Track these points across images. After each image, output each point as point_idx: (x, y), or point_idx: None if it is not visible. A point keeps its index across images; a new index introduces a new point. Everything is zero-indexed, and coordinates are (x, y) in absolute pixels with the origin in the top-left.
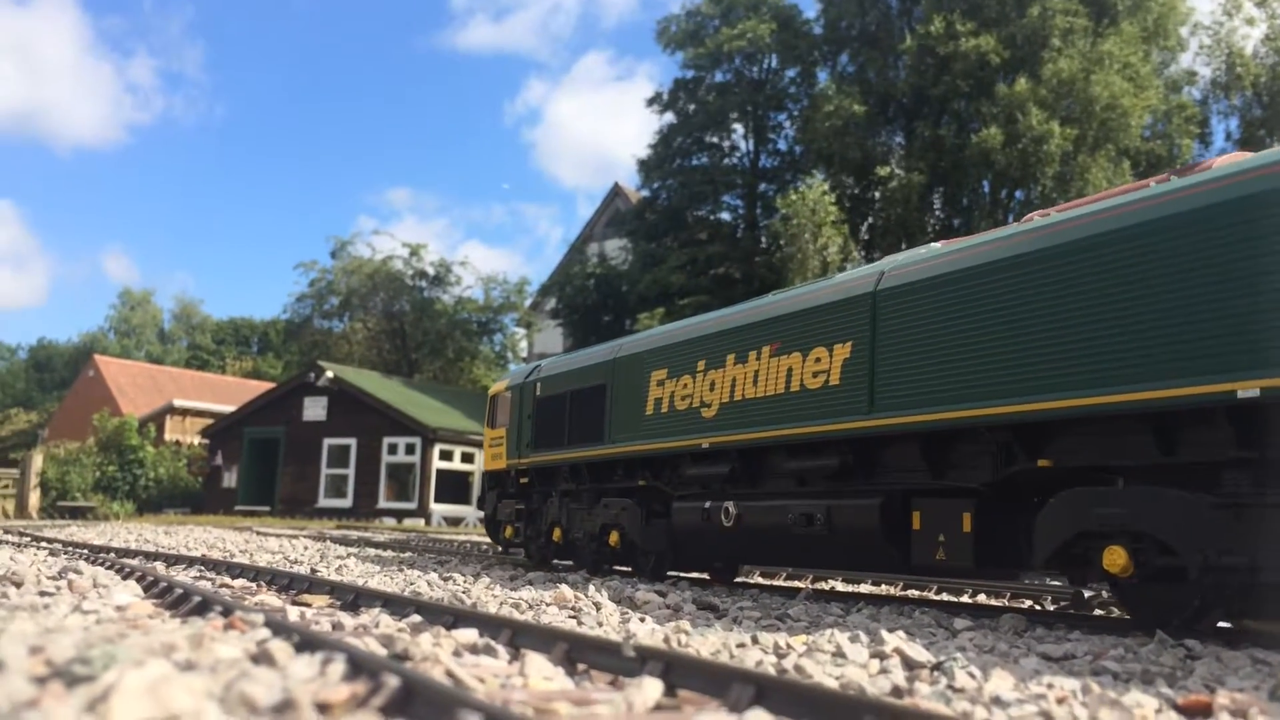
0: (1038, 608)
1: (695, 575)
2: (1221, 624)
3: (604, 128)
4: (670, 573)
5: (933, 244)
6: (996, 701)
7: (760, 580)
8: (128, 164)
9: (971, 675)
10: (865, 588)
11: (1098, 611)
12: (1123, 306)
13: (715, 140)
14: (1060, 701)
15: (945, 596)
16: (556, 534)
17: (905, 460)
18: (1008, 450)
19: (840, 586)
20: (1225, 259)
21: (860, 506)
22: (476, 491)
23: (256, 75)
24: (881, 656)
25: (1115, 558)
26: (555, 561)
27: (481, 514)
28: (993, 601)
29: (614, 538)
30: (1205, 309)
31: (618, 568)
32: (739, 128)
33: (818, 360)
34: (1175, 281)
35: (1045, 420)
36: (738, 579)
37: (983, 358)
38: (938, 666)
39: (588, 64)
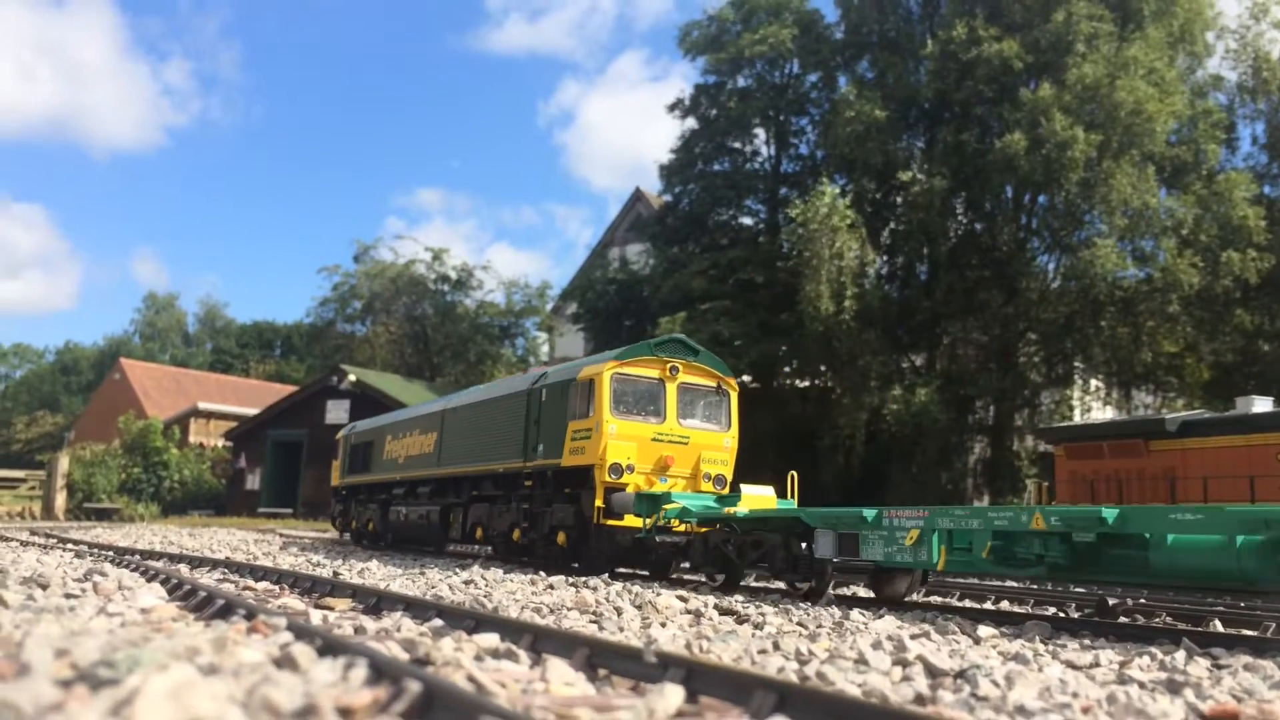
0: (1062, 615)
1: (708, 581)
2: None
3: (636, 130)
4: (389, 548)
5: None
6: (1021, 711)
7: (780, 585)
8: (165, 167)
9: (995, 684)
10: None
11: (1123, 619)
12: (500, 427)
13: (737, 145)
14: (1085, 711)
15: (969, 603)
16: (354, 525)
17: (458, 489)
18: (472, 484)
19: (862, 593)
20: (520, 412)
21: (438, 510)
22: None
23: (291, 76)
24: (904, 664)
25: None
26: (360, 538)
27: None
28: (1016, 609)
29: (370, 526)
30: (518, 429)
31: (385, 543)
32: (760, 133)
33: (423, 439)
34: (509, 419)
35: (474, 475)
36: (746, 583)
37: (456, 445)
38: (961, 674)
39: (623, 65)
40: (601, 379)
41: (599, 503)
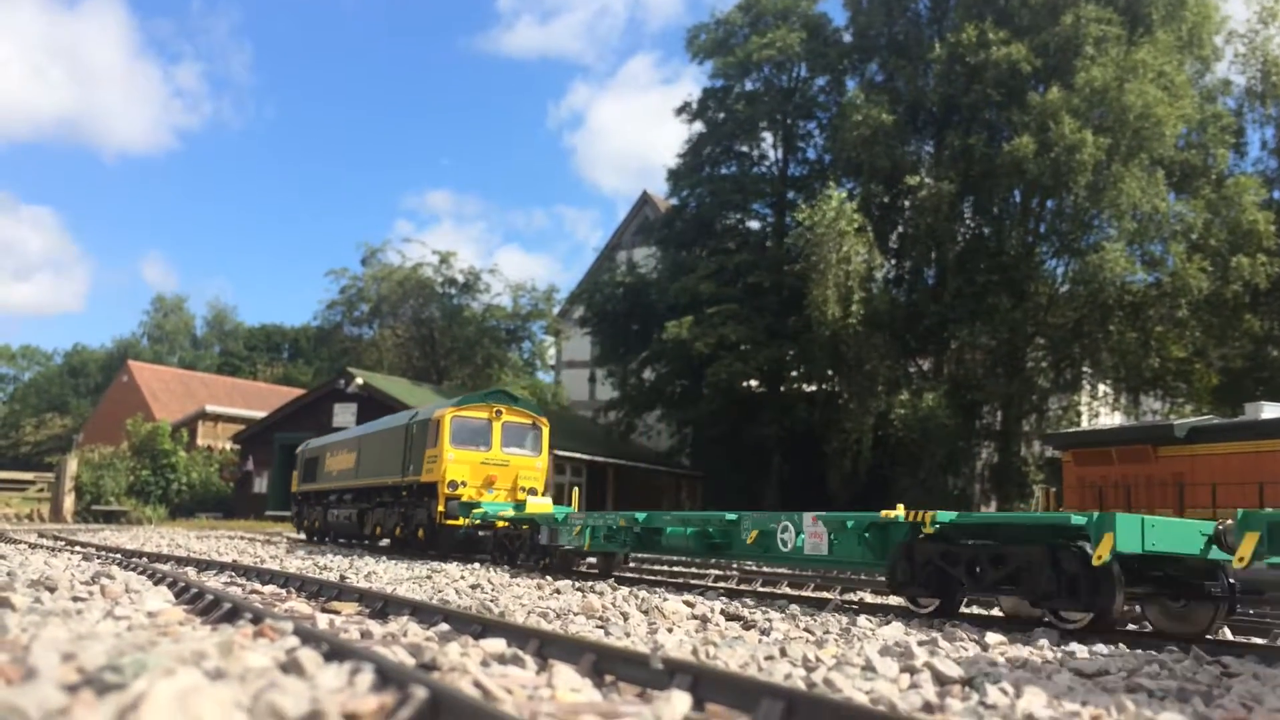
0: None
1: (723, 586)
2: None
3: (647, 132)
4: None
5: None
6: (1030, 719)
7: (788, 590)
8: (175, 169)
9: (1004, 692)
10: (896, 600)
11: (1131, 626)
12: (390, 451)
13: (744, 149)
14: None
15: (976, 610)
16: (305, 524)
17: (370, 496)
18: (377, 493)
19: (869, 598)
20: (401, 440)
21: (355, 512)
22: None
23: (301, 77)
24: (912, 671)
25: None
26: (321, 534)
27: None
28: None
29: (318, 524)
30: (400, 453)
31: (330, 539)
32: (768, 136)
33: (349, 457)
34: (395, 446)
35: (377, 486)
36: (768, 589)
37: (367, 464)
38: (969, 682)
39: (633, 67)
40: (445, 420)
41: (441, 508)
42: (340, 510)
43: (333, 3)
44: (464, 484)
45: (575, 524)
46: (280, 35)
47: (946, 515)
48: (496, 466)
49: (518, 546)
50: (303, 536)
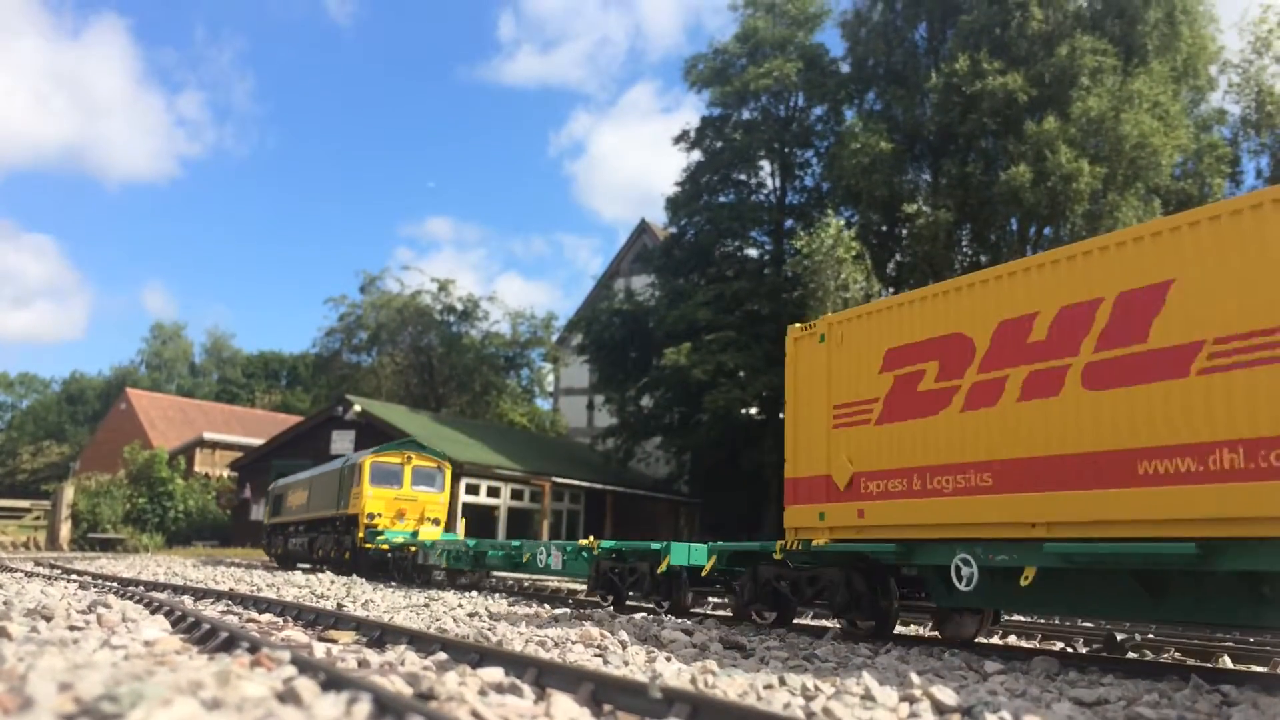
0: (1070, 650)
1: (722, 613)
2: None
3: (647, 160)
4: (301, 565)
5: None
6: None
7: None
8: (177, 197)
9: None
10: (896, 629)
11: (1131, 655)
12: (329, 489)
13: (742, 177)
14: None
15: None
16: (273, 551)
17: (318, 526)
18: (321, 524)
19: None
20: (337, 480)
21: (308, 540)
22: (502, 526)
23: (304, 106)
24: (911, 700)
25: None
26: (291, 561)
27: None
28: (1024, 643)
29: (280, 551)
30: (335, 491)
31: (292, 563)
32: (766, 165)
33: (303, 494)
34: (332, 485)
35: (321, 518)
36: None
37: (315, 500)
38: (968, 711)
39: (634, 96)
40: (365, 465)
41: (360, 535)
42: (296, 539)
43: (335, 32)
44: (379, 515)
45: (438, 548)
46: (282, 64)
47: (608, 544)
48: (406, 501)
49: (407, 565)
50: (274, 563)
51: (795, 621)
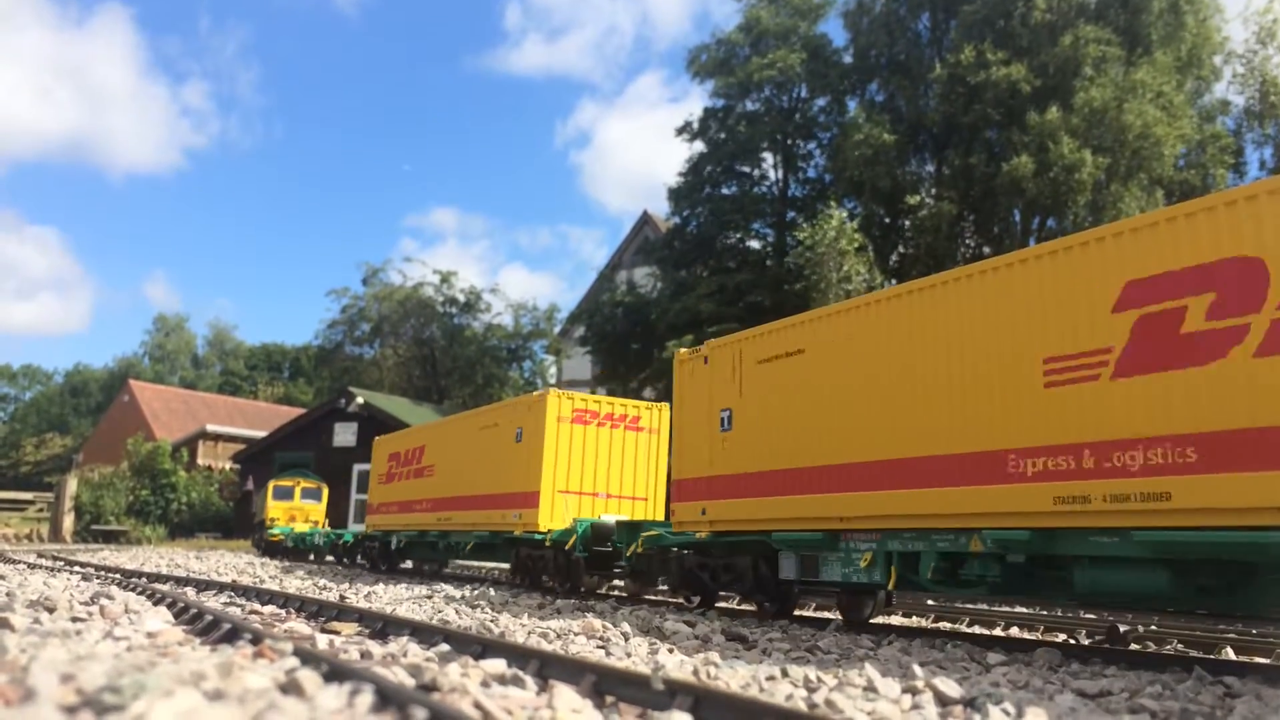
0: (1073, 642)
1: (725, 605)
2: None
3: (653, 151)
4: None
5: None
6: None
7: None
8: (182, 189)
9: (1006, 712)
10: (897, 619)
11: (1134, 646)
12: (260, 500)
13: (745, 168)
14: None
15: (978, 629)
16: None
17: (260, 526)
18: (261, 524)
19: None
20: (264, 495)
21: (258, 535)
22: None
23: (309, 96)
24: (914, 692)
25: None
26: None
27: None
28: (1026, 635)
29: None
30: (262, 502)
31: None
32: (769, 156)
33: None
34: (262, 498)
35: (261, 520)
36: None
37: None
38: (971, 703)
39: (641, 86)
40: (269, 487)
41: (269, 528)
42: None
43: (340, 22)
44: (276, 519)
45: (311, 536)
46: (288, 55)
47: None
48: (299, 509)
49: (291, 548)
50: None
51: (797, 613)
